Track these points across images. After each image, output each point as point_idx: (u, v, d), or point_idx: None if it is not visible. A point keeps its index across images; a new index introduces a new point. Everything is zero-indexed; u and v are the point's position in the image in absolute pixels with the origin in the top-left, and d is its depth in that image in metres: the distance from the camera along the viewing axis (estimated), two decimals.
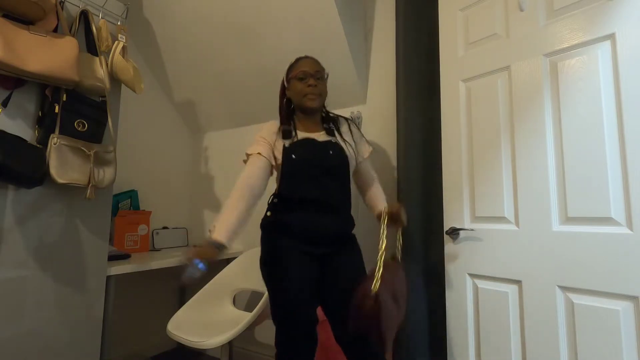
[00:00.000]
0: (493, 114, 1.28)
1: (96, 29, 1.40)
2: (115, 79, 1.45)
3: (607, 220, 1.01)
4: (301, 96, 1.28)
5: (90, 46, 1.40)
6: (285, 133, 1.29)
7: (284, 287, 1.20)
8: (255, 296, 2.17)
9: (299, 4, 1.70)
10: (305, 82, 1.27)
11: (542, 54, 1.17)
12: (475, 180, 1.30)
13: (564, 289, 1.07)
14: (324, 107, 1.39)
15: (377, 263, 1.08)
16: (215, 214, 2.46)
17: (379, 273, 1.06)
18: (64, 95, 1.27)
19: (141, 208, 2.24)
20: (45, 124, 1.24)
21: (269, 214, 1.30)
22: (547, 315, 1.09)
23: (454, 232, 1.32)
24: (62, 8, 1.33)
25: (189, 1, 1.93)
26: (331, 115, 1.41)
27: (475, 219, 1.30)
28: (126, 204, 2.13)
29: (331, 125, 1.36)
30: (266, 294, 1.65)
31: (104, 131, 1.39)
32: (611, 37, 1.04)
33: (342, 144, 1.31)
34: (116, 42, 1.43)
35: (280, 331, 1.25)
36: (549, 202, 1.11)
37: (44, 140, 1.23)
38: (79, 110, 1.31)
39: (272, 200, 1.31)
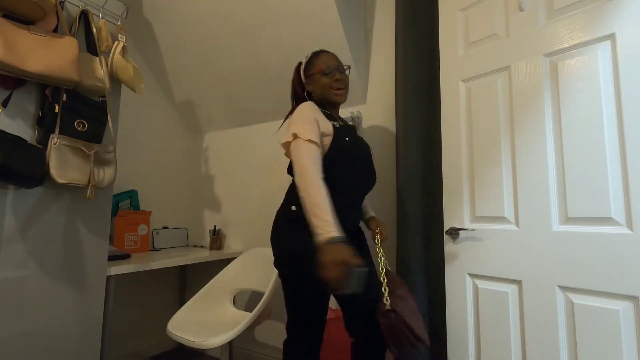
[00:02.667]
0: (493, 114, 1.28)
1: (96, 29, 1.39)
2: (115, 79, 1.45)
3: (607, 220, 1.01)
4: (327, 89, 1.26)
5: (90, 46, 1.40)
6: (327, 115, 1.24)
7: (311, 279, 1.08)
8: (255, 296, 2.17)
9: (299, 4, 1.70)
10: (331, 77, 1.25)
11: (542, 54, 1.17)
12: (475, 180, 1.30)
13: (564, 289, 1.07)
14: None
15: (381, 281, 1.17)
16: (215, 214, 2.46)
17: (386, 291, 1.13)
18: (64, 95, 1.27)
19: (141, 208, 2.24)
20: (45, 124, 1.24)
21: (294, 208, 1.17)
22: (547, 315, 1.09)
23: (454, 232, 1.31)
24: (62, 8, 1.33)
25: (189, 1, 1.93)
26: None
27: (475, 219, 1.30)
28: (126, 204, 2.13)
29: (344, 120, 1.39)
30: (267, 293, 1.66)
31: (104, 131, 1.39)
32: (611, 37, 1.04)
33: None
34: (116, 42, 1.42)
35: (295, 323, 1.22)
36: (549, 202, 1.11)
37: (44, 140, 1.23)
38: (79, 110, 1.31)
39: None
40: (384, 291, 1.13)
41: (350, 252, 0.96)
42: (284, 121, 1.36)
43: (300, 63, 1.38)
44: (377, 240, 1.28)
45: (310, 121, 1.14)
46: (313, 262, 0.99)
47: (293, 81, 1.39)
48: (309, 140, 1.10)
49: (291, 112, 1.29)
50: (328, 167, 1.13)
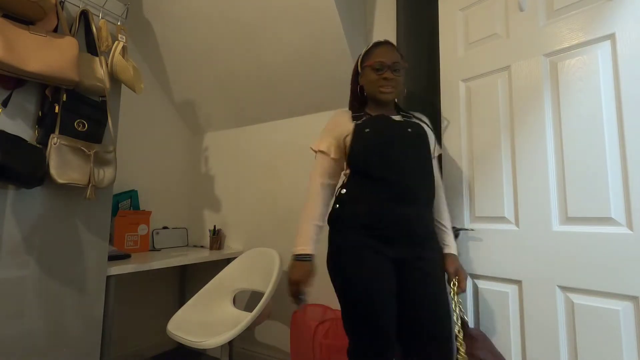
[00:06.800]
0: (493, 114, 1.28)
1: (96, 29, 1.40)
2: (115, 79, 1.45)
3: (607, 220, 1.01)
4: (375, 87, 1.17)
5: (90, 46, 1.40)
6: (356, 117, 1.19)
7: (353, 284, 1.04)
8: (255, 296, 2.17)
9: (299, 3, 1.70)
10: (380, 74, 1.16)
11: (542, 54, 1.17)
12: (475, 180, 1.30)
13: (564, 289, 1.07)
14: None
15: (456, 333, 1.09)
16: (215, 214, 2.46)
17: (462, 347, 1.07)
18: (64, 95, 1.27)
19: (141, 208, 2.24)
20: (45, 124, 1.24)
21: (337, 206, 1.15)
22: (547, 315, 1.09)
23: (454, 232, 1.31)
24: (62, 8, 1.33)
25: (189, 1, 1.93)
26: (407, 112, 1.28)
27: (475, 219, 1.30)
28: (126, 204, 2.13)
29: (409, 112, 1.27)
30: (267, 293, 1.66)
31: (104, 131, 1.39)
32: (611, 37, 1.04)
33: (423, 126, 1.21)
34: (116, 42, 1.43)
35: (352, 342, 1.08)
36: (549, 202, 1.11)
37: (44, 140, 1.23)
38: (79, 110, 1.31)
39: (339, 191, 1.17)
40: (459, 347, 1.05)
41: (306, 274, 1.05)
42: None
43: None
44: (453, 290, 1.12)
45: (326, 131, 1.23)
46: (335, 268, 1.10)
47: (353, 72, 1.29)
48: (319, 151, 1.21)
49: (350, 104, 1.30)
50: (356, 162, 1.14)
